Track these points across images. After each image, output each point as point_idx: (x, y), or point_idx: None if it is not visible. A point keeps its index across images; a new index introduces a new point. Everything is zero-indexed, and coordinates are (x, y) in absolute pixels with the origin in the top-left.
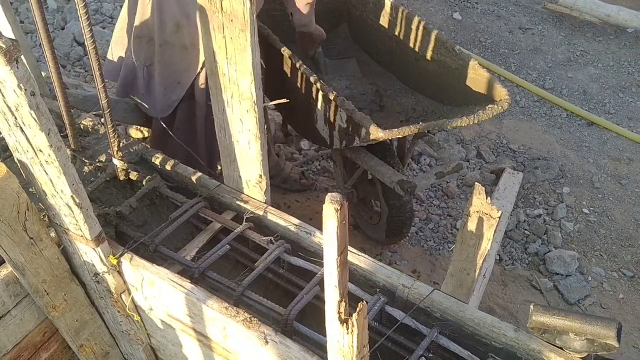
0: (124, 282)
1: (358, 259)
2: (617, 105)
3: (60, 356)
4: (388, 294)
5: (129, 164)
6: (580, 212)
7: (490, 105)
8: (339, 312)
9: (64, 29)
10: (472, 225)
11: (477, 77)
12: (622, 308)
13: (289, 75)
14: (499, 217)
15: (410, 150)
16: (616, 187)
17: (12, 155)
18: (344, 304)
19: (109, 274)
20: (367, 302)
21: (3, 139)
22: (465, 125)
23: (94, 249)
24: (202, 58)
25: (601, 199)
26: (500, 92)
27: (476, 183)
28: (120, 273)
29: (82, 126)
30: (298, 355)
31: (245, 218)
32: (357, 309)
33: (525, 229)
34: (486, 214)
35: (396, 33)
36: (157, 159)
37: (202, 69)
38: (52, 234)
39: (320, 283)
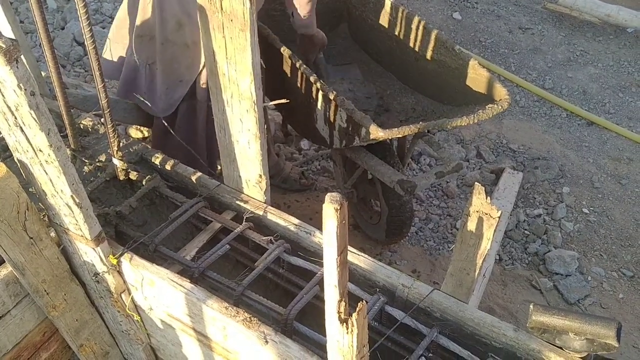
0: (124, 281)
1: (358, 258)
2: (617, 105)
3: (60, 356)
4: (388, 293)
5: (128, 163)
6: (580, 212)
7: (490, 105)
8: (338, 312)
9: (63, 29)
10: (472, 225)
11: (477, 76)
12: (622, 308)
13: (289, 75)
14: (499, 217)
15: (410, 150)
16: (616, 187)
17: (12, 155)
18: (344, 303)
19: (109, 274)
20: (367, 302)
21: (3, 138)
22: (465, 125)
23: (93, 248)
24: (204, 56)
25: (601, 199)
26: (500, 92)
27: (476, 183)
28: (120, 273)
29: (82, 126)
30: (298, 355)
31: (245, 218)
32: (357, 309)
33: (525, 229)
34: (486, 213)
35: (396, 33)
36: (157, 159)
37: (204, 67)
38: (52, 234)
39: (320, 283)
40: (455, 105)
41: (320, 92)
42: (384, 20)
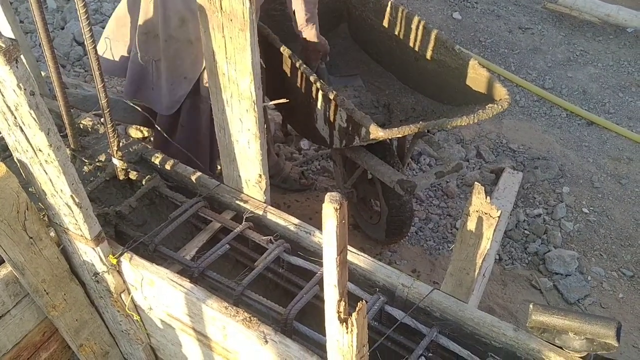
0: (124, 281)
1: (358, 258)
2: (616, 105)
3: (59, 356)
4: (388, 293)
5: (128, 163)
6: (580, 212)
7: (490, 105)
8: (338, 312)
9: (63, 28)
10: (471, 225)
11: (477, 76)
12: (622, 308)
13: (289, 75)
14: (499, 217)
15: (410, 149)
16: (616, 187)
17: (11, 154)
18: (344, 303)
19: (109, 274)
20: (366, 302)
21: (3, 138)
22: (465, 125)
23: (93, 248)
24: None
25: (601, 199)
26: (500, 92)
27: (476, 183)
28: (119, 273)
29: (81, 126)
30: (298, 355)
31: (245, 218)
32: (357, 309)
33: (525, 229)
34: (486, 213)
35: (396, 33)
36: (156, 159)
37: None
38: (52, 234)
39: (320, 282)
40: (455, 105)
41: (320, 92)
42: (384, 20)
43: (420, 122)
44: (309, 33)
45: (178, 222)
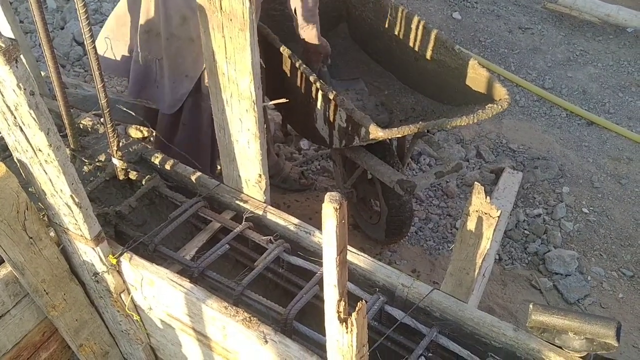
0: (124, 281)
1: (357, 258)
2: (616, 105)
3: (59, 356)
4: (387, 293)
5: (128, 163)
6: (579, 212)
7: (489, 105)
8: (338, 312)
9: (63, 28)
10: (471, 225)
11: (476, 76)
12: (622, 307)
13: (289, 75)
14: (499, 217)
15: (410, 149)
16: (616, 187)
17: (11, 154)
18: (344, 303)
19: (109, 274)
20: (366, 302)
21: (2, 138)
22: (464, 125)
23: (93, 248)
24: None
25: (601, 199)
26: (500, 92)
27: (476, 183)
28: (119, 272)
29: (81, 126)
30: (297, 355)
31: (244, 218)
32: (357, 309)
33: (525, 229)
34: (486, 213)
35: (396, 33)
36: (156, 159)
37: None
38: (52, 234)
39: (320, 282)
40: (455, 105)
41: (320, 92)
42: (383, 20)
43: (420, 122)
44: (310, 33)
45: (178, 222)
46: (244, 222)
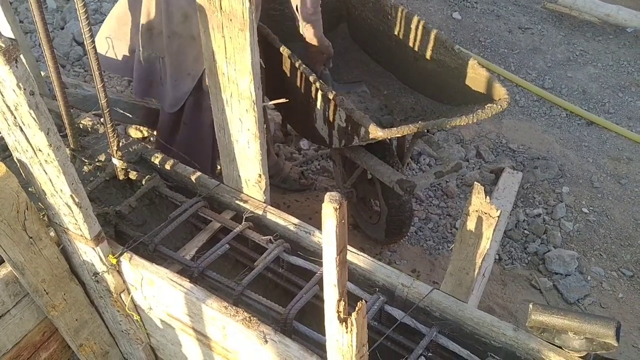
0: (124, 281)
1: (357, 258)
2: (616, 105)
3: (59, 355)
4: (387, 293)
5: (128, 163)
6: (579, 212)
7: (489, 105)
8: (338, 311)
9: (63, 28)
10: (471, 225)
11: (476, 76)
12: (622, 307)
13: (289, 75)
14: (498, 217)
15: (410, 149)
16: (615, 187)
17: (11, 154)
18: (343, 303)
19: (109, 274)
20: (366, 302)
21: (2, 138)
22: (464, 125)
23: (93, 248)
24: None
25: (600, 199)
26: (500, 91)
27: (475, 182)
28: (119, 272)
29: (81, 126)
30: (297, 355)
31: (244, 217)
32: (357, 308)
33: (525, 229)
34: (485, 213)
35: (395, 32)
36: (156, 159)
37: None
38: (52, 234)
39: (320, 282)
40: (454, 104)
41: (320, 92)
42: (383, 19)
43: (420, 122)
44: (312, 32)
45: (178, 222)
46: (243, 222)
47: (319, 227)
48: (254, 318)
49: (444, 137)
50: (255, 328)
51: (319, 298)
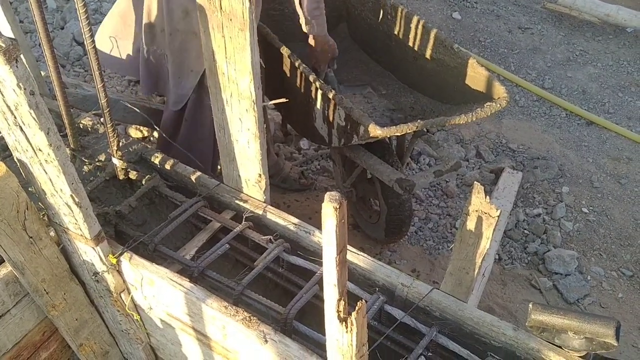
0: (124, 281)
1: (357, 258)
2: (616, 105)
3: (59, 355)
4: (387, 293)
5: (128, 163)
6: (579, 212)
7: (488, 103)
8: (338, 311)
9: (63, 28)
10: (471, 225)
11: (475, 75)
12: (622, 307)
13: (288, 75)
14: (498, 216)
15: (410, 149)
16: (615, 187)
17: (11, 154)
18: (343, 302)
19: (109, 273)
20: (366, 301)
21: (2, 138)
22: (463, 123)
23: (93, 248)
24: None
25: (600, 199)
26: (499, 90)
27: (475, 182)
28: (119, 272)
29: (81, 125)
30: (297, 354)
31: (244, 217)
32: (356, 308)
33: (525, 229)
34: (485, 213)
35: (395, 32)
36: (156, 159)
37: None
38: (52, 233)
39: (320, 282)
40: (454, 104)
41: (319, 91)
42: (383, 19)
43: (419, 121)
44: (316, 29)
45: (178, 222)
46: (243, 222)
47: (319, 227)
48: (254, 318)
49: (443, 137)
50: (255, 328)
51: (319, 298)
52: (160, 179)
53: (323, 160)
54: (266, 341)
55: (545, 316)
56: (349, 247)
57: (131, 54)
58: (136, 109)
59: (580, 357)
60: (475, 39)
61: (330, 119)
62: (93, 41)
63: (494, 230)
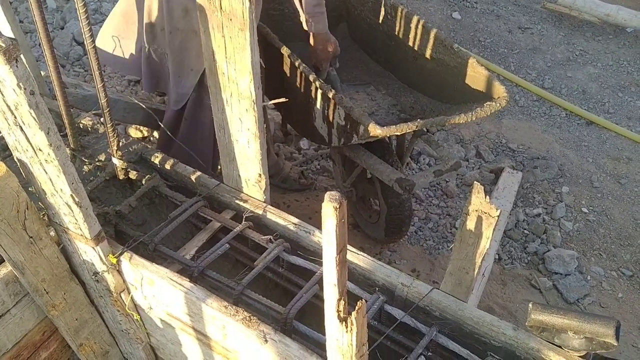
0: (124, 281)
1: (357, 257)
2: (616, 105)
3: (59, 355)
4: (387, 292)
5: (128, 163)
6: (579, 212)
7: (488, 103)
8: (338, 311)
9: (63, 28)
10: (471, 224)
11: (475, 74)
12: (621, 307)
13: (288, 75)
14: (498, 216)
15: (409, 148)
16: (615, 187)
17: (11, 154)
18: (343, 302)
19: (109, 273)
20: (366, 301)
21: (2, 138)
22: (463, 123)
23: (93, 248)
24: None
25: (600, 198)
26: (499, 90)
27: (475, 182)
28: (119, 272)
29: (81, 125)
30: (297, 354)
31: (244, 217)
32: (356, 308)
33: (525, 228)
34: (485, 212)
35: (395, 32)
36: (156, 158)
37: None
38: (52, 233)
39: (320, 282)
40: (454, 103)
41: (319, 91)
42: (383, 19)
43: (419, 120)
44: (317, 27)
45: (178, 222)
46: (243, 222)
47: (319, 227)
48: (254, 317)
49: (443, 137)
50: (255, 327)
51: (319, 297)
52: (160, 179)
53: (323, 160)
54: (266, 341)
55: (545, 316)
56: (349, 246)
57: (134, 53)
58: (142, 105)
59: (580, 356)
60: (475, 39)
61: (330, 118)
62: (93, 41)
63: (494, 230)
